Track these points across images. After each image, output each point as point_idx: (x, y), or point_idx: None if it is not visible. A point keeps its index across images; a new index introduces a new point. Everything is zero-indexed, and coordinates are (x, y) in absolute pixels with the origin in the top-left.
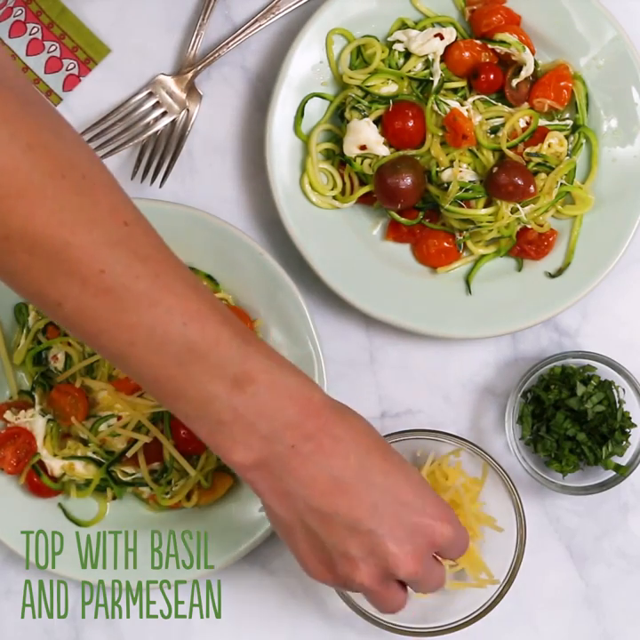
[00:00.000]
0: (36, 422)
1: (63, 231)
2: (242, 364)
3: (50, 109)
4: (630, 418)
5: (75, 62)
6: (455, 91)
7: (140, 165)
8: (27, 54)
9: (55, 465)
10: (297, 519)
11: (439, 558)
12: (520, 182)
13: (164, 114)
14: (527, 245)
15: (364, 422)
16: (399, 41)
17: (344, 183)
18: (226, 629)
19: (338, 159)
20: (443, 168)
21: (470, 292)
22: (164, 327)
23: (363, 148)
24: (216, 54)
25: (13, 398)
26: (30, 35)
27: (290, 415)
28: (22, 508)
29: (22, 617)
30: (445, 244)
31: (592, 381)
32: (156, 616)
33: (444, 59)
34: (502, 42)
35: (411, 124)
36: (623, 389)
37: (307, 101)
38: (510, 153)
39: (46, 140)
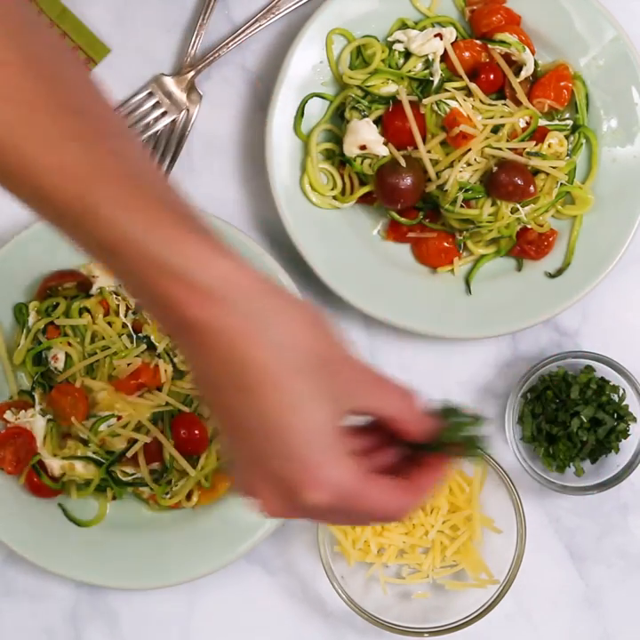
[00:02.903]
0: (36, 422)
1: None
2: (106, 229)
3: None
4: (630, 417)
5: None
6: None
7: None
8: None
9: (55, 465)
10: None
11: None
12: (520, 182)
13: (163, 114)
14: (527, 245)
15: (286, 338)
16: (399, 41)
17: (344, 183)
18: (225, 629)
19: (338, 159)
20: (443, 168)
21: (470, 292)
22: (29, 179)
23: (363, 148)
24: (216, 54)
25: (13, 398)
26: None
27: (165, 297)
28: (22, 507)
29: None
30: (445, 244)
31: (592, 382)
32: (156, 616)
33: (443, 59)
34: (502, 42)
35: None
36: (623, 389)
37: (307, 101)
38: (510, 153)
39: None
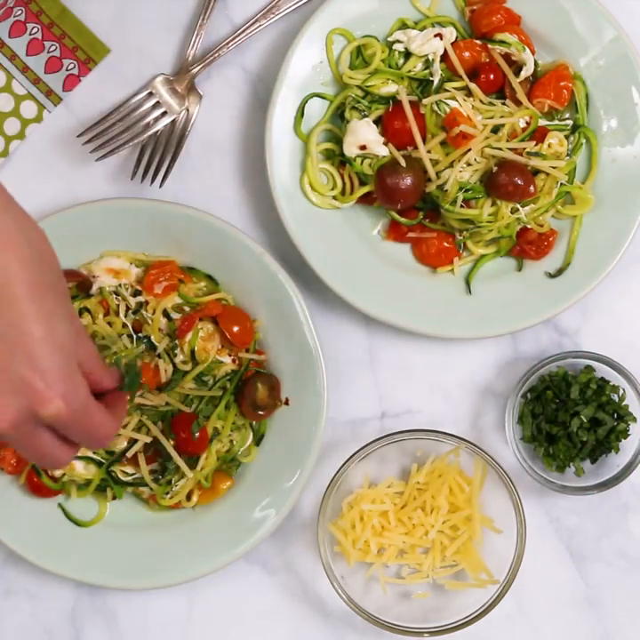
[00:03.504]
0: None
1: None
2: None
3: None
4: (630, 417)
5: (75, 62)
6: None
7: (140, 165)
8: (27, 54)
9: None
10: None
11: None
12: (520, 182)
13: (164, 114)
14: (527, 245)
15: (36, 256)
16: (399, 41)
17: (344, 183)
18: (225, 629)
19: (338, 159)
20: (443, 168)
21: (470, 292)
22: None
23: (363, 148)
24: (216, 54)
25: None
26: (30, 35)
27: None
28: (22, 507)
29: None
30: (445, 244)
31: (592, 382)
32: (155, 616)
33: (443, 59)
34: (502, 42)
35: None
36: (623, 389)
37: (307, 101)
38: (510, 153)
39: None
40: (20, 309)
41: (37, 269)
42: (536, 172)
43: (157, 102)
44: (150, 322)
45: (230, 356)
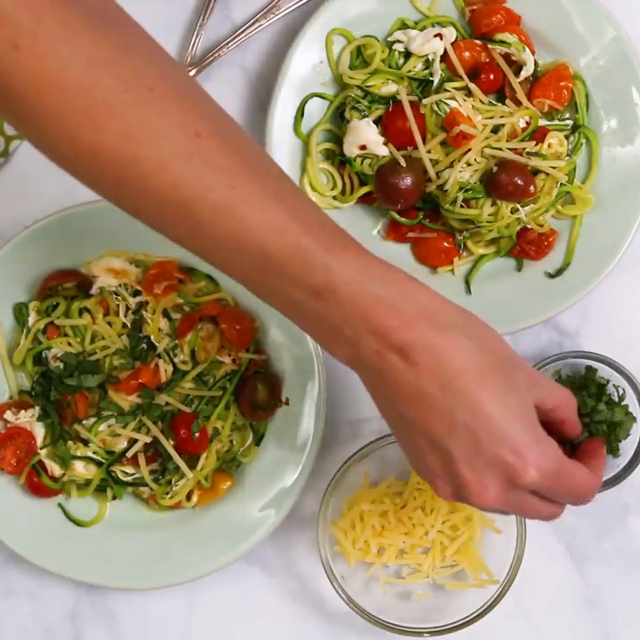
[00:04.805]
0: (35, 422)
1: (130, 146)
2: (323, 274)
3: (122, 24)
4: (630, 417)
5: None
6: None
7: None
8: None
9: (55, 465)
10: (391, 419)
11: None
12: (520, 182)
13: None
14: (527, 245)
15: (476, 345)
16: (399, 41)
17: (344, 183)
18: (225, 629)
19: (338, 159)
20: (443, 168)
21: (470, 292)
22: (239, 237)
23: (363, 147)
24: (216, 54)
25: (13, 398)
26: None
27: (375, 325)
28: (22, 508)
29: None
30: (445, 244)
31: (592, 382)
32: (156, 616)
33: (443, 59)
34: (502, 42)
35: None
36: (623, 389)
37: (307, 101)
38: (510, 153)
39: (110, 56)
40: (473, 398)
41: (479, 358)
42: (536, 171)
43: None
44: (150, 322)
45: (230, 356)
